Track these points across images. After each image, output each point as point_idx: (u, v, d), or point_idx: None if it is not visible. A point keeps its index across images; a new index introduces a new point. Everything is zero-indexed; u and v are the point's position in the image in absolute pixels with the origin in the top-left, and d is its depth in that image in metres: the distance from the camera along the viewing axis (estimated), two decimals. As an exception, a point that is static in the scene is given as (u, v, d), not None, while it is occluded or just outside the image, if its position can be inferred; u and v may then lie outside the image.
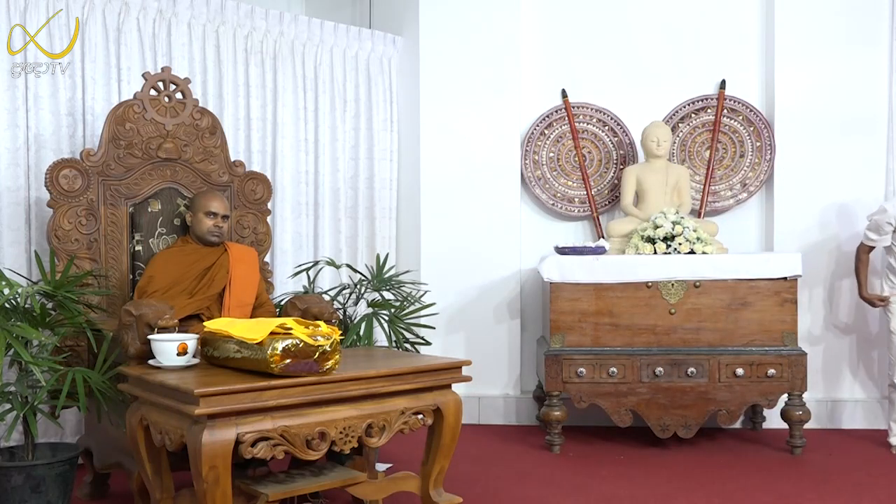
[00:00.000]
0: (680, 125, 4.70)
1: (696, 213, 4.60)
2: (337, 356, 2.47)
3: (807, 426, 4.02)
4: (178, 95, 3.50)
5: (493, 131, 4.73)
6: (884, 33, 4.53)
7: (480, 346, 4.69)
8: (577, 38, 4.78)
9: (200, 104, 3.62)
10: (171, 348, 2.54)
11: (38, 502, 2.85)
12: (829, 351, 4.40)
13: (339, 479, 2.74)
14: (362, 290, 3.93)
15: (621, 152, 4.74)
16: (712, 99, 4.69)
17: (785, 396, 4.00)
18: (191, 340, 2.59)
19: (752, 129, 4.65)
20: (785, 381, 3.91)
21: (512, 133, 4.74)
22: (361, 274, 4.03)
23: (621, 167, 4.70)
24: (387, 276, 4.01)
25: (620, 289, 3.99)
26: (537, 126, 4.76)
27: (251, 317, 3.25)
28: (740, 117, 4.66)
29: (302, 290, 3.99)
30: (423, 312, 3.88)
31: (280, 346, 2.36)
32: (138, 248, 3.34)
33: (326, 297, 3.67)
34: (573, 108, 4.75)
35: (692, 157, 4.71)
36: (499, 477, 3.63)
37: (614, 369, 3.93)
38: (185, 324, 3.00)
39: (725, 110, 4.67)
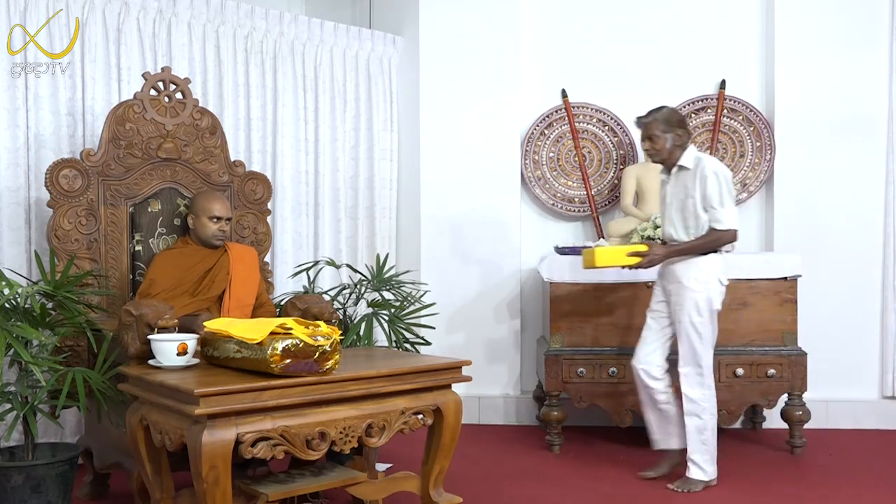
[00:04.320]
0: (680, 125, 4.70)
1: (696, 213, 4.59)
2: (337, 356, 2.47)
3: (807, 426, 4.02)
4: (178, 95, 3.50)
5: (493, 131, 4.73)
6: (884, 33, 4.53)
7: (480, 346, 4.69)
8: (577, 38, 4.78)
9: (200, 104, 3.62)
10: (171, 348, 2.54)
11: (38, 502, 2.85)
12: (829, 351, 4.40)
13: (339, 479, 2.74)
14: (362, 290, 3.93)
15: (621, 152, 4.74)
16: (712, 99, 4.69)
17: (785, 396, 4.00)
18: (191, 340, 2.59)
19: (752, 129, 4.65)
20: (785, 381, 3.92)
21: (512, 133, 4.74)
22: (361, 274, 4.03)
23: (621, 167, 4.70)
24: (387, 276, 4.01)
25: (620, 289, 3.99)
26: (537, 126, 4.76)
27: (251, 317, 3.25)
28: (740, 117, 4.66)
29: (302, 290, 3.99)
30: (423, 312, 3.88)
31: (280, 346, 2.36)
32: (138, 248, 3.34)
33: (326, 297, 3.67)
34: (573, 108, 4.75)
35: (692, 157, 4.70)
36: (499, 477, 3.63)
37: (614, 369, 3.93)
38: (192, 316, 3.02)
39: (725, 110, 4.67)
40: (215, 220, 3.25)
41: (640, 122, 3.50)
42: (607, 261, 3.44)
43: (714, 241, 3.36)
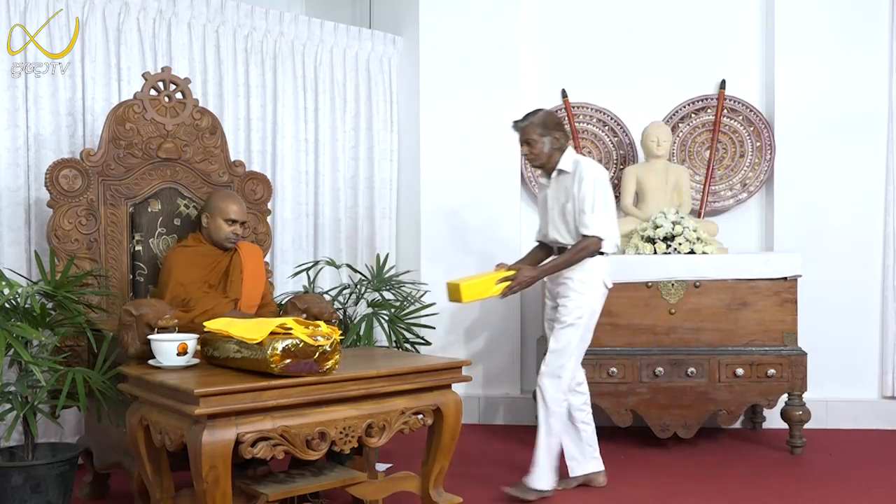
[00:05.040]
0: (680, 125, 4.70)
1: (696, 213, 4.60)
2: (337, 356, 2.47)
3: (807, 426, 4.02)
4: (178, 95, 3.50)
5: (493, 131, 4.72)
6: (884, 33, 4.53)
7: (480, 345, 4.69)
8: (577, 38, 4.78)
9: (200, 104, 3.62)
10: (171, 348, 2.54)
11: (38, 502, 2.85)
12: (829, 351, 4.40)
13: (339, 479, 2.74)
14: (362, 290, 3.93)
15: (621, 152, 4.74)
16: (712, 99, 4.69)
17: (785, 396, 4.00)
18: (191, 340, 2.59)
19: (752, 129, 4.65)
20: (785, 381, 3.92)
21: (512, 133, 4.72)
22: (361, 274, 4.03)
23: (621, 167, 4.70)
24: (387, 276, 4.01)
25: (620, 289, 3.96)
26: (537, 126, 4.76)
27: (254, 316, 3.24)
28: (740, 117, 4.66)
29: (302, 290, 4.00)
30: (423, 312, 3.88)
31: (280, 346, 2.36)
32: (138, 248, 3.34)
33: (327, 297, 3.67)
34: (573, 108, 4.75)
35: (692, 157, 4.71)
36: (499, 477, 3.62)
37: (614, 369, 3.93)
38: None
39: (725, 110, 4.67)
40: (230, 222, 3.22)
41: (517, 126, 3.39)
42: (474, 295, 3.21)
43: (580, 252, 3.24)
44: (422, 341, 3.84)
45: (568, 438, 3.46)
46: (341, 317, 3.79)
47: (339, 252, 4.69)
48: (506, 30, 4.73)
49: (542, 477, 3.29)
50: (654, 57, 4.73)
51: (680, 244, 4.03)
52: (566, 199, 3.31)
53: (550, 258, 3.44)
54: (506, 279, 3.26)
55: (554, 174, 3.38)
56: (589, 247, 3.24)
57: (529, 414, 4.67)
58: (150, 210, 3.38)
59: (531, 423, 4.62)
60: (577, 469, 3.47)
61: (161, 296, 3.11)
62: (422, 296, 4.06)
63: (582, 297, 3.28)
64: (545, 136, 3.31)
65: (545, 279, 3.44)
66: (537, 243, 3.59)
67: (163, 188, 3.43)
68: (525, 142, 3.36)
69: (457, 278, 3.28)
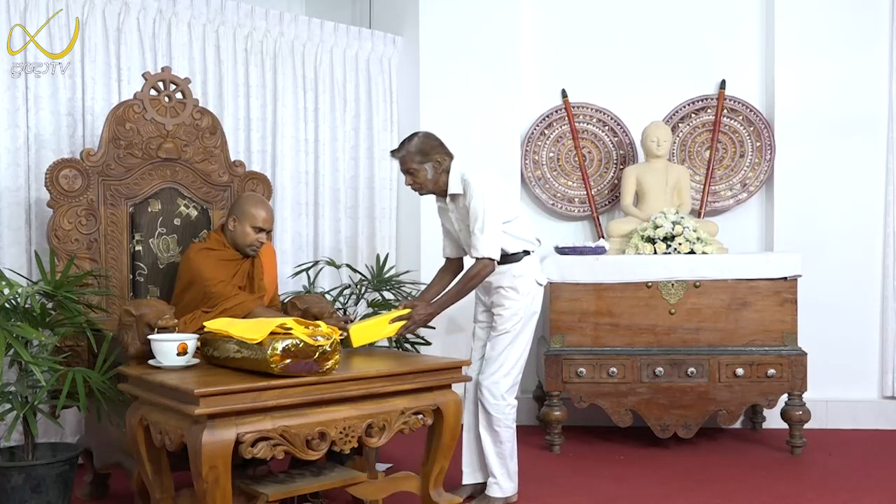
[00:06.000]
0: (680, 125, 4.70)
1: (696, 213, 4.60)
2: (337, 356, 2.47)
3: (807, 426, 4.02)
4: (178, 95, 3.50)
5: (493, 131, 4.72)
6: (884, 33, 4.53)
7: (480, 346, 4.68)
8: (577, 38, 4.78)
9: (200, 104, 3.61)
10: (171, 348, 2.54)
11: (38, 502, 2.85)
12: (829, 351, 4.39)
13: (339, 479, 2.74)
14: (362, 290, 3.93)
15: (621, 152, 4.74)
16: (712, 99, 4.69)
17: (785, 396, 4.00)
18: (191, 340, 2.59)
19: (752, 129, 4.65)
20: (785, 381, 3.92)
21: (512, 133, 4.74)
22: (361, 274, 4.03)
23: (621, 167, 4.70)
24: (387, 276, 4.02)
25: (620, 289, 3.99)
26: (537, 126, 4.76)
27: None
28: (740, 117, 4.66)
29: (302, 290, 4.00)
30: (423, 312, 3.87)
31: (280, 346, 2.36)
32: (138, 248, 3.34)
33: (328, 297, 3.67)
34: (573, 108, 4.75)
35: (692, 157, 4.71)
36: (499, 477, 3.63)
37: (614, 369, 3.93)
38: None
39: (725, 110, 4.67)
40: (258, 230, 3.16)
41: (395, 156, 3.20)
42: (365, 338, 3.03)
43: (473, 279, 3.11)
44: (422, 341, 3.84)
45: (472, 444, 3.32)
46: (341, 317, 3.78)
47: (339, 252, 4.69)
48: (506, 30, 4.72)
49: (501, 485, 3.21)
50: (654, 57, 4.73)
51: (680, 244, 4.03)
52: (468, 219, 3.13)
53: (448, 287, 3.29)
54: (400, 318, 3.12)
55: (448, 198, 3.20)
56: (481, 272, 3.10)
57: (529, 414, 4.67)
58: (150, 210, 3.38)
59: (531, 423, 4.63)
60: (469, 478, 3.34)
61: (186, 297, 3.09)
62: (422, 296, 4.05)
63: (517, 303, 3.17)
64: (425, 162, 3.12)
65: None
66: (445, 261, 3.44)
67: (163, 188, 3.43)
68: (406, 171, 3.16)
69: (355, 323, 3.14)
